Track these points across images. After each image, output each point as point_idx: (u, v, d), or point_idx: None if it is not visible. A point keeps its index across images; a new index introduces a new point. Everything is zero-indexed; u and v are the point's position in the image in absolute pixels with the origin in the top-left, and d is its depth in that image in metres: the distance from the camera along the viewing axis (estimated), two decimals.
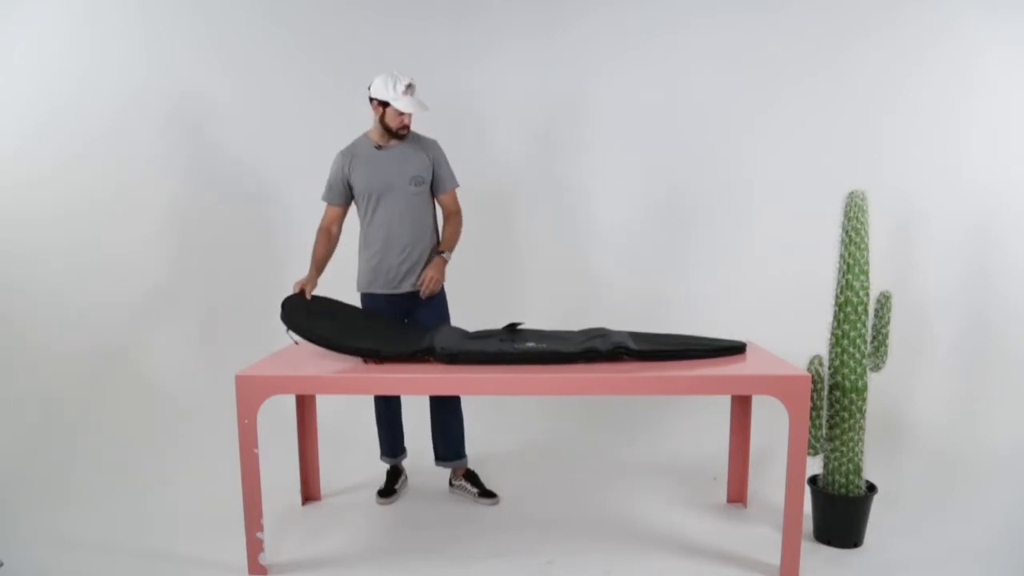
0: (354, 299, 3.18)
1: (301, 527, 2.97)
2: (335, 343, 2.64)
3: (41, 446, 3.65)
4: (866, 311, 2.71)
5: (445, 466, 3.29)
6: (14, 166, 4.01)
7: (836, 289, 2.74)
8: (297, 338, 2.86)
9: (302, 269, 4.18)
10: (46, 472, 3.44)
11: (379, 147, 3.05)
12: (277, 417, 3.18)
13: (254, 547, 2.56)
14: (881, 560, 2.67)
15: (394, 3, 4.06)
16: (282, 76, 4.10)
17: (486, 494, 3.21)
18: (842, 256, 2.72)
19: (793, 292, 3.90)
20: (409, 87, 2.93)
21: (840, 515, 2.77)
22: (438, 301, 3.18)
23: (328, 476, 3.37)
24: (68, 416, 3.85)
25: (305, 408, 3.19)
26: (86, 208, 4.08)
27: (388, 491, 3.24)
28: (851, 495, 2.75)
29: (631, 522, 3.00)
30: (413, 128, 3.10)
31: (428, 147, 3.13)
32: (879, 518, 2.86)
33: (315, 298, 2.97)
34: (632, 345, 2.67)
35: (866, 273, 2.69)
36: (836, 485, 2.77)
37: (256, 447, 2.50)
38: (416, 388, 2.52)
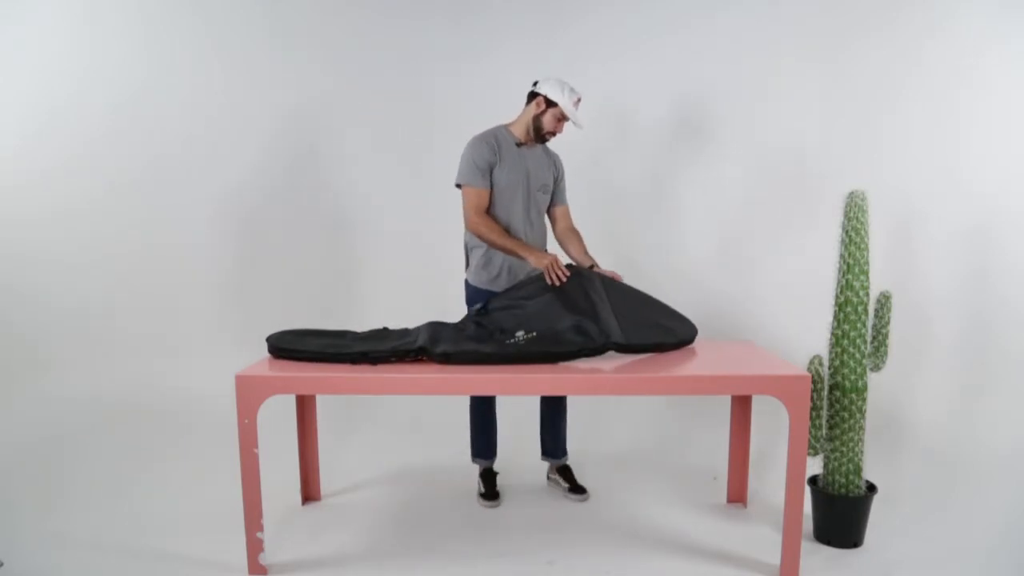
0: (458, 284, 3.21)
1: (301, 527, 2.97)
2: (326, 355, 2.64)
3: (41, 446, 3.65)
4: (866, 311, 2.71)
5: (550, 461, 3.35)
6: (14, 166, 4.01)
7: (836, 289, 2.74)
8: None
9: (297, 267, 4.22)
10: (46, 472, 3.44)
11: (520, 144, 3.05)
12: (277, 417, 3.18)
13: (254, 547, 2.56)
14: (881, 560, 2.67)
15: (394, 3, 4.07)
16: (281, 76, 4.11)
17: (576, 489, 3.25)
18: (842, 256, 2.72)
19: (793, 292, 3.90)
20: (579, 101, 2.99)
21: (840, 515, 2.77)
22: None
23: (328, 476, 3.37)
24: (67, 416, 3.85)
25: (305, 408, 3.19)
26: (86, 208, 4.08)
27: (493, 494, 3.21)
28: (851, 495, 2.75)
29: (631, 522, 3.00)
30: (561, 136, 3.13)
31: (556, 159, 3.20)
32: (879, 518, 2.86)
33: (297, 331, 2.95)
34: (620, 339, 2.68)
35: (866, 273, 2.69)
36: (836, 485, 2.77)
37: (256, 447, 2.50)
38: (415, 388, 2.52)
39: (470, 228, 3.02)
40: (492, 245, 2.99)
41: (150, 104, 4.07)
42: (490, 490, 3.22)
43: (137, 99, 4.07)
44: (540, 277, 2.92)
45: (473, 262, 3.13)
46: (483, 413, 3.26)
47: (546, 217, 3.24)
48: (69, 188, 4.07)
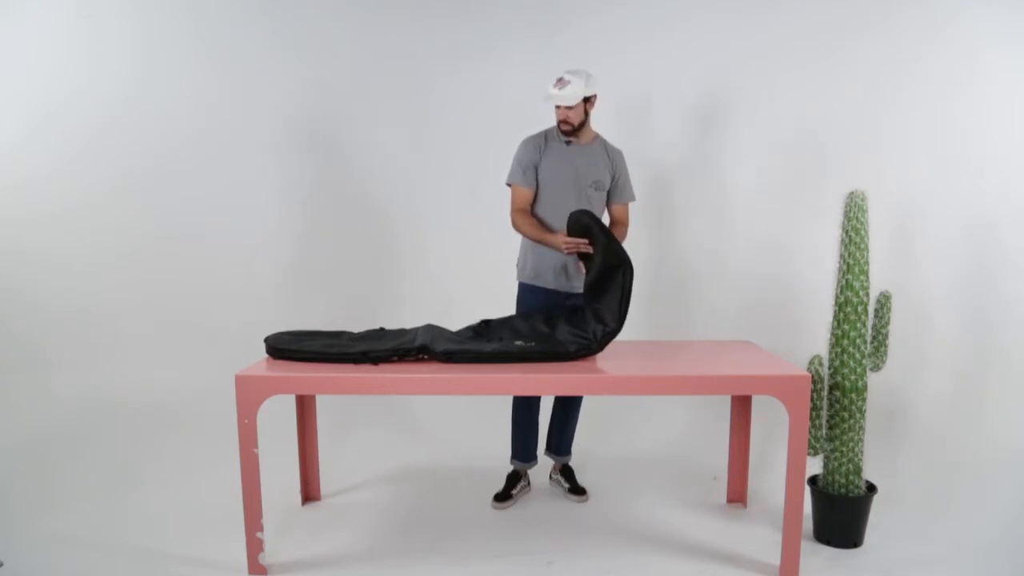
0: (511, 285, 3.22)
1: (301, 527, 2.97)
2: (327, 356, 2.64)
3: (41, 446, 3.65)
4: (866, 311, 2.71)
5: (553, 458, 3.36)
6: (14, 166, 4.01)
7: (836, 289, 2.74)
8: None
9: (295, 267, 4.22)
10: (46, 472, 3.43)
11: (568, 142, 3.05)
12: (277, 417, 3.18)
13: (254, 547, 2.56)
14: (881, 560, 2.67)
15: (394, 3, 4.06)
16: (281, 77, 4.10)
17: (576, 490, 3.26)
18: (842, 256, 2.72)
19: (793, 292, 3.90)
20: (559, 80, 2.91)
21: (840, 515, 2.78)
22: None
23: (328, 476, 3.37)
24: (67, 416, 3.85)
25: (305, 408, 3.19)
26: (86, 208, 4.08)
27: (505, 495, 3.19)
28: (851, 495, 2.75)
29: (631, 522, 3.00)
30: (604, 136, 3.14)
31: (614, 156, 3.15)
32: (879, 518, 2.86)
33: (294, 332, 2.95)
34: (610, 325, 2.70)
35: (866, 273, 2.69)
36: (836, 485, 2.77)
37: (256, 447, 2.50)
38: (416, 388, 2.52)
39: (512, 225, 3.09)
40: (528, 238, 3.06)
41: (150, 104, 4.06)
42: (505, 491, 3.21)
43: (137, 100, 4.06)
44: (542, 309, 3.00)
45: (519, 258, 3.19)
46: (522, 416, 3.24)
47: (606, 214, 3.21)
48: (69, 188, 4.06)
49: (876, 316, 2.75)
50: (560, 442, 3.34)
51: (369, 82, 4.12)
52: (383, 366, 2.60)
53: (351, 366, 2.59)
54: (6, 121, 3.99)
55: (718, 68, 3.94)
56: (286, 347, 2.71)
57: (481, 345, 2.69)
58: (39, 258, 4.07)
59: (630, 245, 3.72)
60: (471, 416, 3.94)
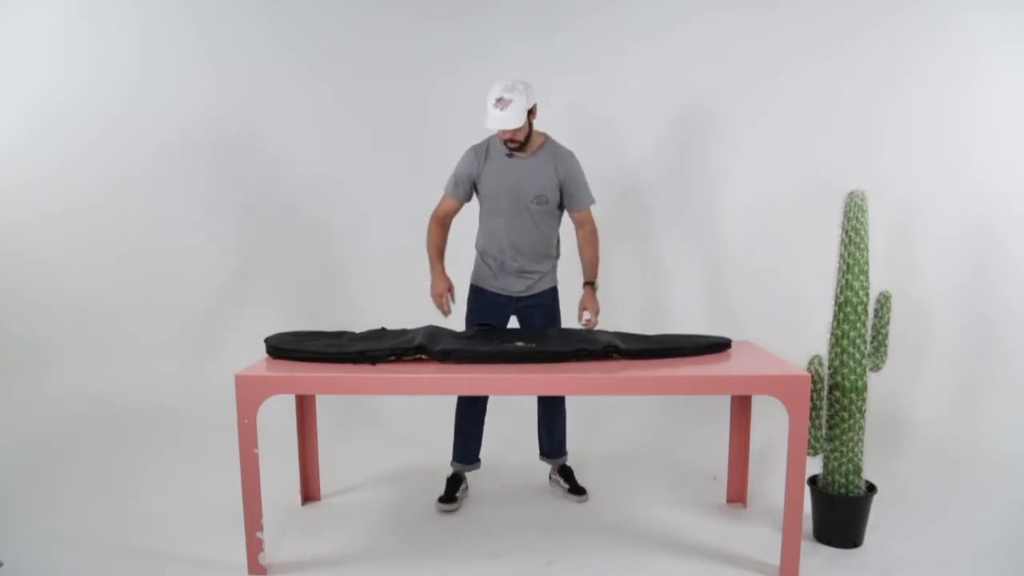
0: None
1: (301, 527, 2.97)
2: (325, 356, 2.64)
3: (41, 446, 3.65)
4: (866, 311, 2.71)
5: (548, 461, 3.34)
6: (14, 166, 4.01)
7: (836, 289, 2.74)
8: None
9: (298, 268, 4.22)
10: (46, 472, 3.43)
11: (509, 154, 2.93)
12: (277, 417, 3.18)
13: (254, 547, 2.56)
14: (881, 560, 2.67)
15: (394, 3, 4.07)
16: (281, 78, 4.10)
17: (575, 490, 3.25)
18: (842, 256, 2.72)
19: (793, 292, 3.90)
20: (499, 101, 2.72)
21: (840, 515, 2.77)
22: (549, 303, 3.15)
23: (328, 476, 3.37)
24: (67, 416, 3.85)
25: (305, 408, 3.19)
26: (86, 208, 4.08)
27: (450, 497, 3.14)
28: (851, 495, 2.75)
29: (631, 522, 3.00)
30: (556, 138, 3.01)
31: (561, 162, 2.94)
32: (879, 518, 2.86)
33: (295, 332, 2.94)
34: (621, 345, 2.69)
35: (866, 273, 2.69)
36: (836, 485, 2.77)
37: (256, 447, 2.50)
38: (415, 388, 2.52)
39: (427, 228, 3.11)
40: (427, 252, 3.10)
41: (150, 104, 4.07)
42: (449, 493, 3.16)
43: (137, 100, 4.06)
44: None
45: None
46: (470, 417, 3.19)
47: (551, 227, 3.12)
48: (69, 188, 4.06)
49: (876, 316, 2.74)
50: (551, 444, 3.32)
51: (369, 82, 4.13)
52: (381, 366, 2.60)
53: (350, 366, 2.59)
54: (6, 121, 3.99)
55: (718, 68, 3.94)
56: (286, 347, 2.71)
57: (479, 345, 2.69)
58: (39, 258, 4.07)
59: (615, 244, 3.72)
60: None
